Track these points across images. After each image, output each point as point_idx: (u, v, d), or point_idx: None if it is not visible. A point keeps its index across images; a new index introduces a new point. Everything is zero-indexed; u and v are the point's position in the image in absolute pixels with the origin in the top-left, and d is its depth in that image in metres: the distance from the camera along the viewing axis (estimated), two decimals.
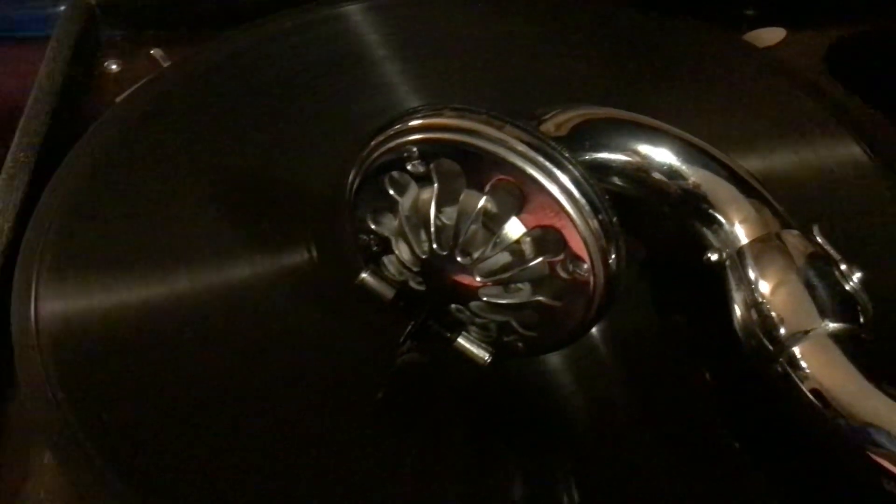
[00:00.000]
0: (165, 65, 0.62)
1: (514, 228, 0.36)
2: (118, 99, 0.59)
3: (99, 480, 0.38)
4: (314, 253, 0.48)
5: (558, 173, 0.34)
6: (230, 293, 0.47)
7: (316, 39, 0.60)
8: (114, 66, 0.63)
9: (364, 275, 0.40)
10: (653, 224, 0.46)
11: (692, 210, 0.42)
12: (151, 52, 0.64)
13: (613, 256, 0.36)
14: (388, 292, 0.40)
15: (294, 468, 0.40)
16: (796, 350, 0.37)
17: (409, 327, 0.40)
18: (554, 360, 0.44)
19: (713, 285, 0.42)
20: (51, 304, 0.44)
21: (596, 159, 0.42)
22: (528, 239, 0.36)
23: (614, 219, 0.35)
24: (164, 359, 0.43)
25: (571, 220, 0.35)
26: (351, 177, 0.39)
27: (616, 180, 0.43)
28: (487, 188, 0.35)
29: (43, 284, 0.45)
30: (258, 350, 0.44)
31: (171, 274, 0.47)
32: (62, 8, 0.66)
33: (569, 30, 0.62)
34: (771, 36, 0.66)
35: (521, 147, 0.35)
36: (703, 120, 0.53)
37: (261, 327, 0.45)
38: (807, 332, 0.37)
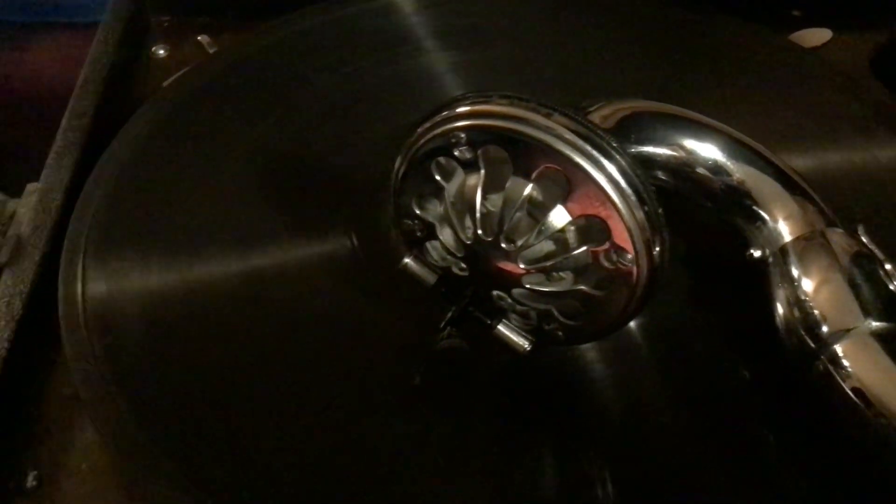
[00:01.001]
0: (211, 51, 0.63)
1: (559, 217, 0.36)
2: (165, 83, 0.60)
3: (140, 455, 0.39)
4: (354, 239, 0.49)
5: (605, 162, 0.34)
6: (271, 276, 0.47)
7: (363, 27, 0.61)
8: (161, 52, 0.64)
9: (407, 259, 0.41)
10: (693, 219, 0.46)
11: (736, 206, 0.42)
12: (198, 38, 0.64)
13: (657, 248, 0.36)
14: (430, 278, 0.41)
15: (328, 448, 0.40)
16: (838, 348, 0.37)
17: (450, 313, 0.40)
18: (590, 352, 0.44)
19: (753, 282, 0.42)
20: (97, 282, 0.45)
21: (641, 152, 0.42)
22: (572, 227, 0.36)
23: (660, 210, 0.35)
24: (205, 337, 0.44)
25: (617, 209, 0.35)
26: (397, 162, 0.39)
27: (660, 174, 0.43)
28: (534, 176, 0.36)
29: (89, 263, 0.46)
30: (296, 332, 0.45)
31: (213, 255, 0.47)
32: None
33: (615, 25, 0.63)
34: (817, 37, 0.66)
35: (569, 135, 0.35)
36: (747, 117, 0.53)
37: (300, 310, 0.46)
38: (849, 331, 0.37)
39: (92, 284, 0.45)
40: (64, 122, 0.54)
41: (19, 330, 0.44)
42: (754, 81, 0.59)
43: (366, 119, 0.55)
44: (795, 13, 0.68)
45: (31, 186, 0.51)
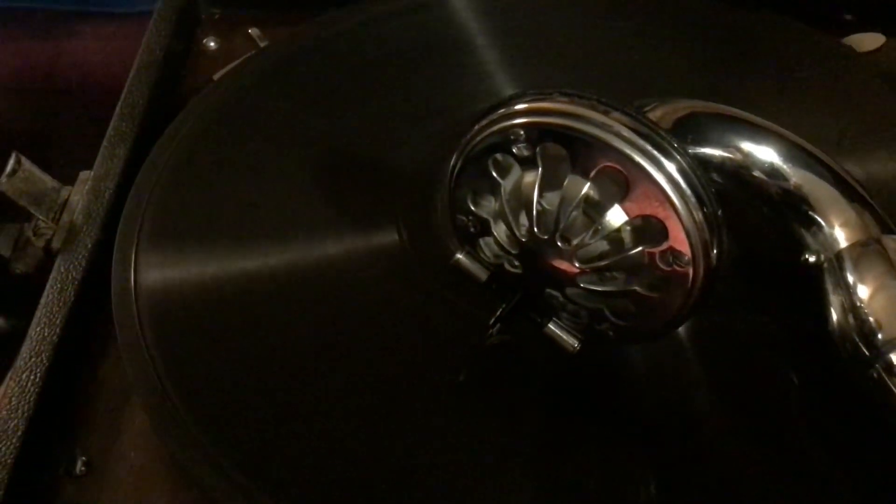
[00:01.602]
0: (262, 44, 0.63)
1: (615, 216, 0.36)
2: (216, 76, 0.60)
3: (189, 442, 0.40)
4: (404, 234, 0.49)
5: (665, 162, 0.34)
6: (321, 268, 0.47)
7: (414, 23, 0.60)
8: (212, 44, 0.65)
9: (459, 255, 0.41)
10: (746, 220, 0.46)
11: (791, 211, 0.42)
12: (249, 31, 0.65)
13: (715, 250, 0.35)
14: (481, 274, 0.40)
15: (371, 440, 0.40)
16: (893, 357, 0.37)
17: (500, 310, 0.40)
18: (637, 351, 0.44)
19: (805, 286, 0.41)
20: (149, 270, 0.46)
21: (697, 153, 0.42)
22: (629, 228, 0.36)
23: (719, 212, 0.35)
24: (255, 327, 0.44)
25: (676, 210, 0.34)
26: (454, 158, 0.39)
27: (716, 176, 0.42)
28: (592, 174, 0.35)
29: (142, 250, 0.46)
30: (344, 325, 0.45)
31: (263, 246, 0.48)
32: None
33: (664, 25, 0.62)
34: (870, 41, 0.65)
35: (628, 133, 0.34)
36: (799, 121, 0.52)
37: (348, 303, 0.46)
38: None
39: (144, 272, 0.46)
40: (117, 111, 0.55)
41: (71, 317, 0.45)
42: (807, 85, 0.58)
43: (417, 113, 0.55)
44: (848, 17, 0.67)
45: (83, 174, 0.52)
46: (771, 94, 0.57)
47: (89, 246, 0.48)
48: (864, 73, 0.59)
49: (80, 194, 0.50)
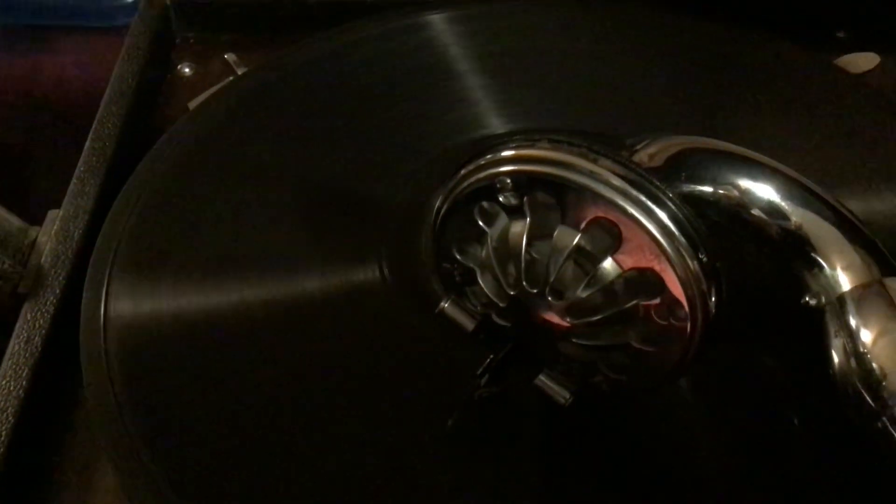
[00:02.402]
0: (239, 71, 0.61)
1: (609, 269, 0.34)
2: (191, 104, 0.59)
3: (154, 492, 0.38)
4: (386, 272, 0.47)
5: (658, 211, 0.33)
6: (298, 306, 0.46)
7: (396, 49, 0.59)
8: (187, 70, 0.63)
9: (444, 304, 0.39)
10: (743, 258, 0.45)
11: (792, 251, 0.40)
12: (225, 56, 0.63)
13: (713, 299, 0.34)
14: (468, 324, 0.39)
15: (354, 489, 0.39)
16: None
17: (489, 360, 0.39)
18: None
19: (807, 328, 0.40)
20: (120, 313, 0.44)
21: (692, 192, 0.40)
22: (622, 280, 0.35)
23: (717, 263, 0.34)
24: (230, 368, 0.43)
25: (670, 261, 0.33)
26: (438, 203, 0.38)
27: (712, 216, 0.41)
28: (583, 226, 0.34)
29: (113, 289, 0.44)
30: (323, 366, 0.43)
31: (240, 283, 0.46)
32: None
33: (655, 49, 0.60)
34: (863, 62, 0.63)
35: (619, 182, 0.33)
36: (791, 148, 0.52)
37: (329, 342, 0.44)
38: None
39: (115, 315, 0.44)
40: (87, 145, 0.53)
41: (38, 369, 0.43)
42: (798, 108, 0.56)
43: (400, 145, 0.54)
44: (840, 35, 0.66)
45: (52, 213, 0.50)
46: (764, 121, 0.55)
47: (58, 291, 0.46)
48: (857, 96, 0.57)
49: (49, 235, 0.48)
